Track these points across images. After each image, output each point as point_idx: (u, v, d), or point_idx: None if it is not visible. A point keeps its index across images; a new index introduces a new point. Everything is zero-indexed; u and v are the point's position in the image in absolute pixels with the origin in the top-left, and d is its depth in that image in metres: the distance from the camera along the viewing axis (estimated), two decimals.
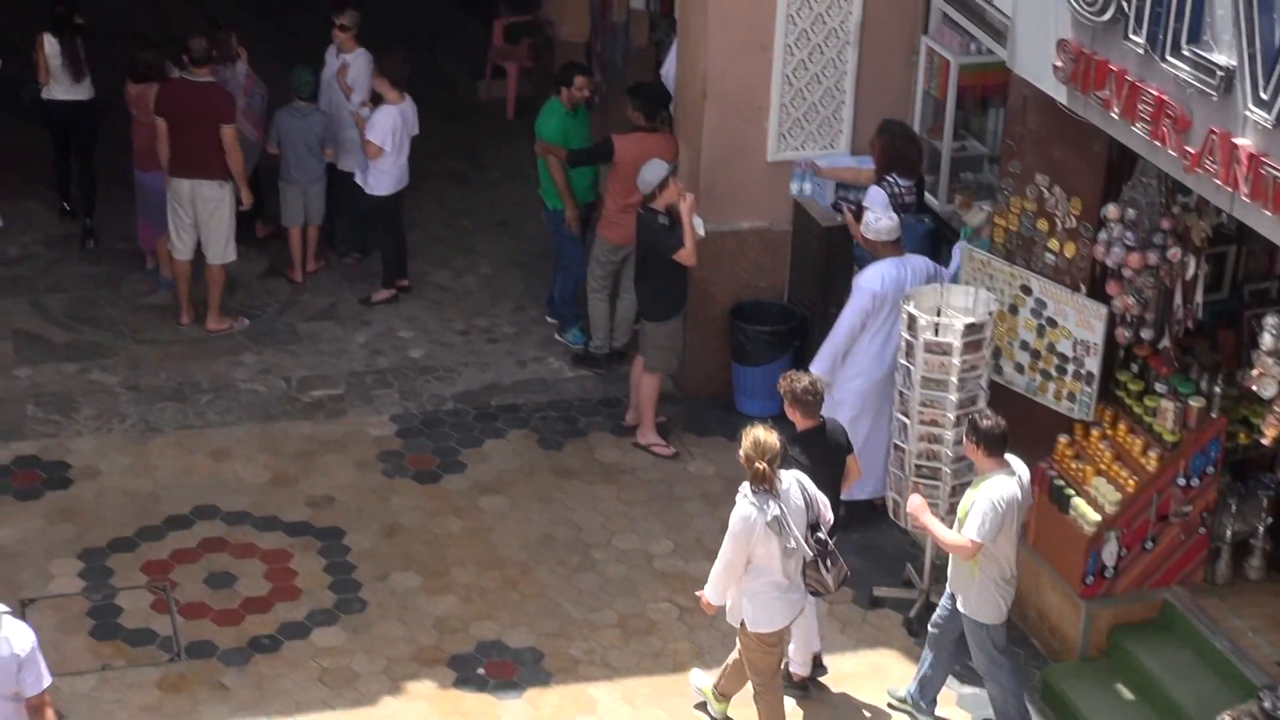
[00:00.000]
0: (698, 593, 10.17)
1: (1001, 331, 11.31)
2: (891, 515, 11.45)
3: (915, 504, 10.52)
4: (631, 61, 15.63)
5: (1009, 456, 10.14)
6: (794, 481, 9.88)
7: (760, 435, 9.68)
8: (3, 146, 15.75)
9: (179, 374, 13.61)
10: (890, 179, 12.31)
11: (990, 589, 10.21)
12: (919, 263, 11.86)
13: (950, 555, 10.30)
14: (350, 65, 14.79)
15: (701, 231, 12.53)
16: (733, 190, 13.07)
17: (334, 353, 13.98)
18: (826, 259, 12.82)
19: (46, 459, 12.58)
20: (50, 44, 14.85)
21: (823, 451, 10.44)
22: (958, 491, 10.81)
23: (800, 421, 10.46)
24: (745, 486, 9.77)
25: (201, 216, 13.92)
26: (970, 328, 10.92)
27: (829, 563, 9.94)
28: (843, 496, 10.81)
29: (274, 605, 11.40)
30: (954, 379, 10.93)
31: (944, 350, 10.91)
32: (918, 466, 11.03)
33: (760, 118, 12.98)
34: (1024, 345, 11.30)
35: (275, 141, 14.63)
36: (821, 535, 9.94)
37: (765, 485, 9.68)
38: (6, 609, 8.92)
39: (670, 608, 11.40)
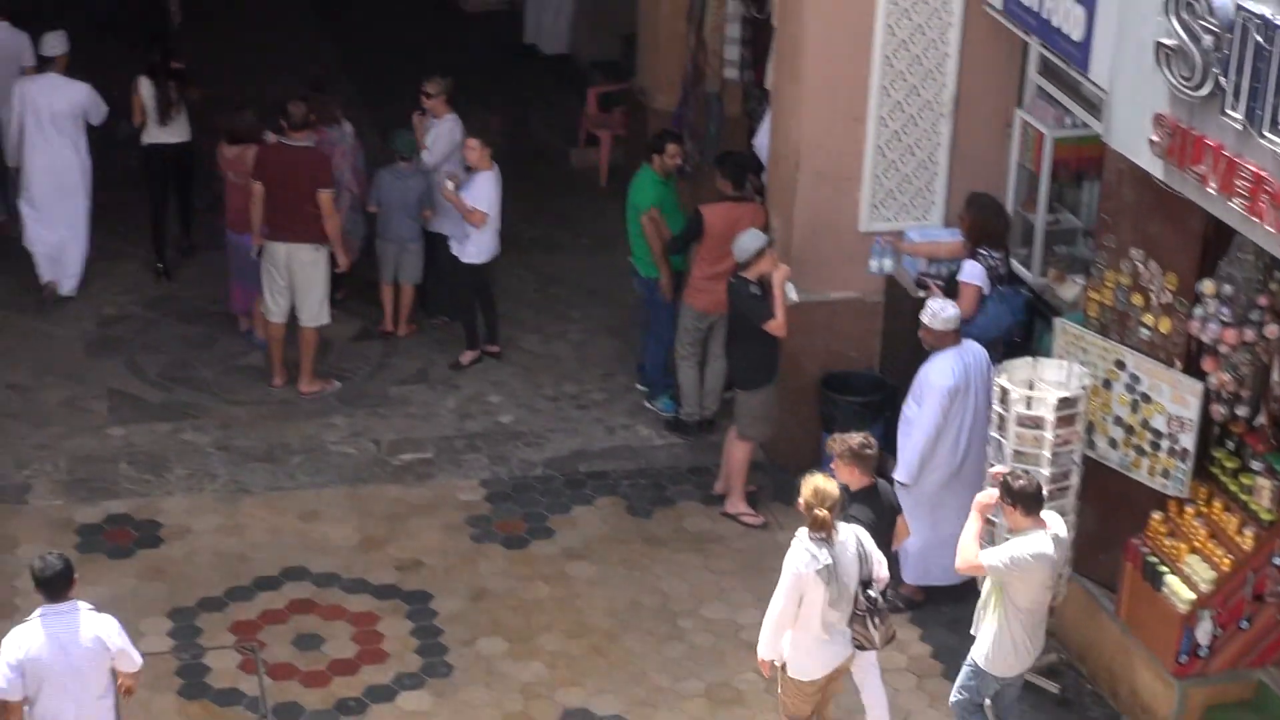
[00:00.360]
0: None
1: (1095, 406, 11.24)
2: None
3: (983, 499, 10.43)
4: (725, 131, 15.70)
5: (1046, 514, 10.17)
6: (852, 535, 9.96)
7: (820, 483, 9.79)
8: (103, 209, 15.99)
9: (270, 435, 13.72)
10: (984, 252, 12.29)
11: (1005, 639, 10.22)
12: (977, 350, 11.82)
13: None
14: (436, 130, 14.91)
15: (795, 297, 12.54)
16: (824, 261, 13.08)
17: (424, 416, 14.04)
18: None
19: (139, 518, 12.69)
20: (146, 87, 15.31)
21: (875, 510, 10.50)
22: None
23: (857, 480, 10.54)
24: (802, 533, 9.85)
25: (296, 280, 14.05)
26: (1063, 402, 10.87)
27: (877, 620, 10.02)
28: (936, 581, 10.77)
29: (361, 668, 11.44)
30: (1046, 453, 10.87)
31: (1036, 424, 10.85)
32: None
33: (852, 189, 12.99)
34: (1118, 420, 11.22)
35: (375, 200, 14.83)
36: (873, 592, 10.00)
37: (823, 533, 9.78)
38: (89, 605, 9.29)
39: (757, 678, 11.35)
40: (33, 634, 9.32)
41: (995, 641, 10.29)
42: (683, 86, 16.03)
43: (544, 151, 18.52)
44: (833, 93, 12.76)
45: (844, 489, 9.98)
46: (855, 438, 10.58)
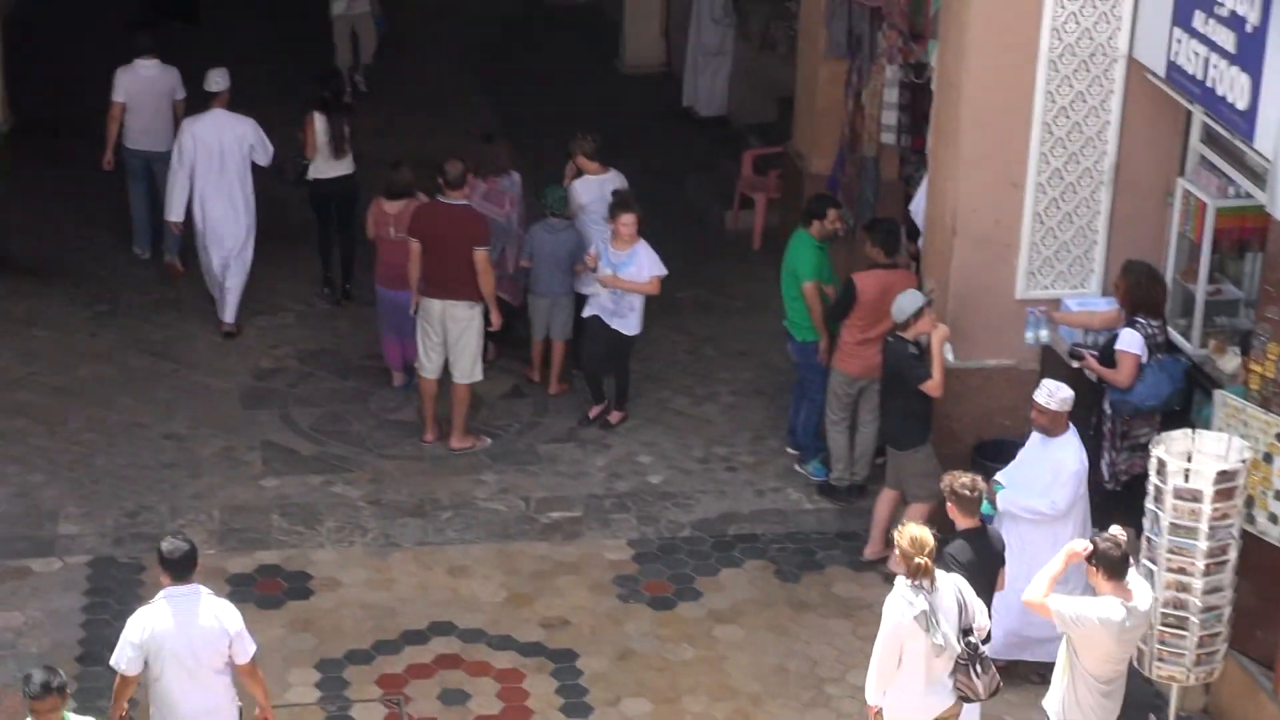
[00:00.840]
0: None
1: (1255, 480, 11.05)
2: (1135, 664, 11.19)
3: (1075, 546, 10.29)
4: (881, 196, 15.66)
5: (1137, 585, 10.06)
6: (950, 583, 9.98)
7: (916, 531, 9.88)
8: (265, 265, 16.31)
9: (421, 490, 13.81)
10: (1142, 320, 12.15)
11: (1071, 699, 10.13)
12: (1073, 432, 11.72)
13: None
14: (581, 190, 15.11)
15: (951, 358, 12.47)
16: (980, 327, 12.99)
17: (573, 475, 14.08)
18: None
19: (289, 569, 12.83)
20: (319, 122, 15.92)
21: (979, 553, 10.54)
22: (1206, 643, 10.56)
23: (960, 520, 10.63)
24: (900, 581, 9.92)
25: (451, 336, 14.15)
26: (1222, 475, 10.70)
27: (979, 668, 9.98)
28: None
29: None
30: (1204, 527, 10.70)
31: (1194, 497, 10.69)
32: (1164, 615, 10.79)
33: (1009, 255, 12.90)
34: (1278, 495, 11.02)
35: (527, 255, 14.95)
36: (973, 640, 9.99)
37: (921, 580, 9.83)
38: (208, 589, 9.80)
39: None
40: (157, 614, 9.77)
41: (1064, 700, 10.20)
42: (839, 150, 16.02)
43: (698, 214, 18.58)
44: (991, 159, 12.69)
45: (939, 539, 10.06)
46: (962, 477, 10.63)
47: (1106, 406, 12.17)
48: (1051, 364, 12.93)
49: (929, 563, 9.83)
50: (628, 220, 14.26)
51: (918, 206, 14.00)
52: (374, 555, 13.01)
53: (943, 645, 9.84)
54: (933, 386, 12.39)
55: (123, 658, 9.81)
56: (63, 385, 15.03)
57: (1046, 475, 11.53)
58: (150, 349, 15.67)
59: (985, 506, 11.05)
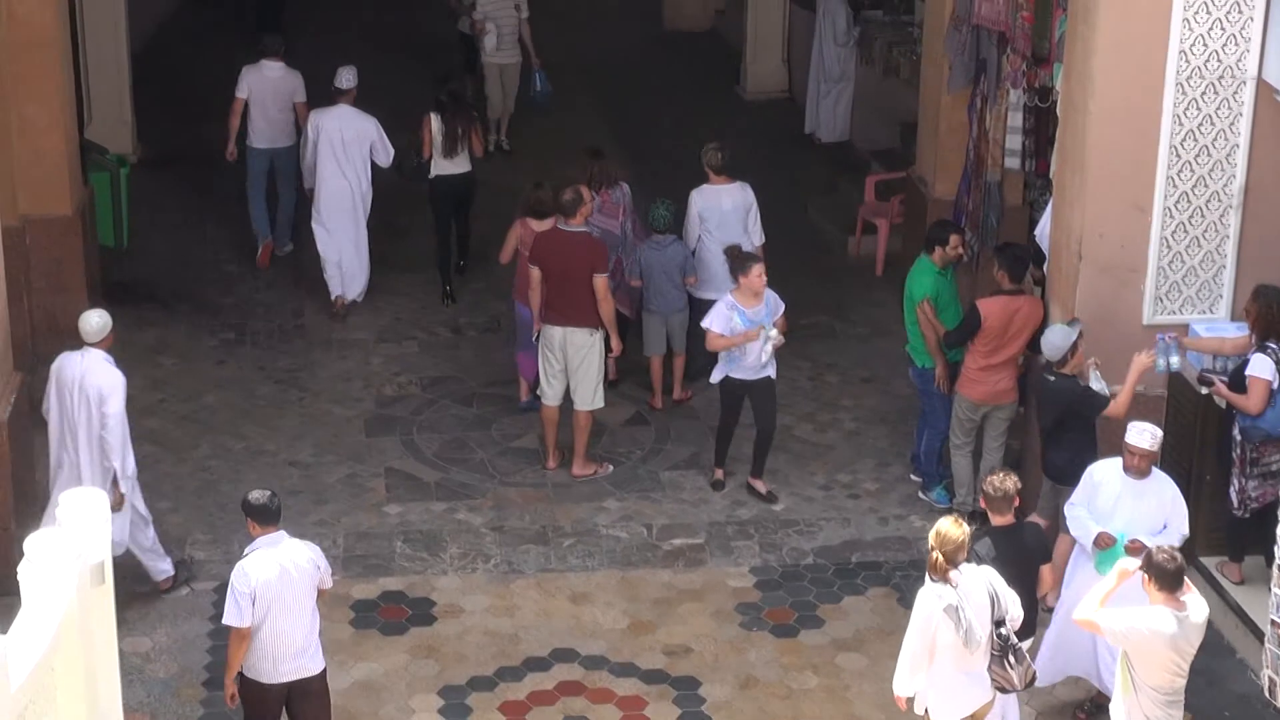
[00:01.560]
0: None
1: None
2: (1267, 694, 11.06)
3: (1126, 565, 10.28)
4: (1005, 221, 15.60)
5: (1190, 597, 9.98)
6: (981, 577, 10.14)
7: (944, 527, 10.09)
8: (384, 292, 16.47)
9: (543, 517, 13.89)
10: (1273, 345, 12.02)
11: (1136, 711, 10.06)
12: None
13: None
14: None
15: (1101, 384, 12.40)
16: (1106, 354, 12.88)
17: (695, 502, 14.11)
18: (1201, 427, 12.54)
19: (412, 595, 12.93)
20: (435, 123, 16.80)
21: (1010, 550, 10.71)
22: None
23: (993, 518, 10.91)
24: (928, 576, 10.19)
25: (571, 363, 14.24)
26: None
27: (1013, 659, 10.14)
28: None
29: None
30: None
31: None
32: None
33: (1136, 280, 12.81)
34: None
35: (638, 274, 15.16)
36: (1004, 631, 10.14)
37: (938, 575, 10.04)
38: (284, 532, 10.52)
39: None
40: (258, 564, 10.36)
41: (1129, 714, 10.14)
42: (963, 175, 15.98)
43: (821, 239, 18.59)
44: (1117, 182, 12.62)
45: (971, 533, 10.31)
46: (992, 477, 10.89)
47: (1236, 433, 12.05)
48: (1178, 391, 12.81)
49: (942, 559, 10.00)
50: (759, 271, 13.80)
51: (1042, 231, 13.93)
52: (496, 582, 13.09)
53: (975, 639, 10.00)
54: (1120, 406, 12.28)
55: (237, 612, 10.32)
56: (190, 413, 15.26)
57: (1154, 511, 11.39)
58: (276, 376, 15.88)
59: (1102, 558, 11.03)
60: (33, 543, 7.33)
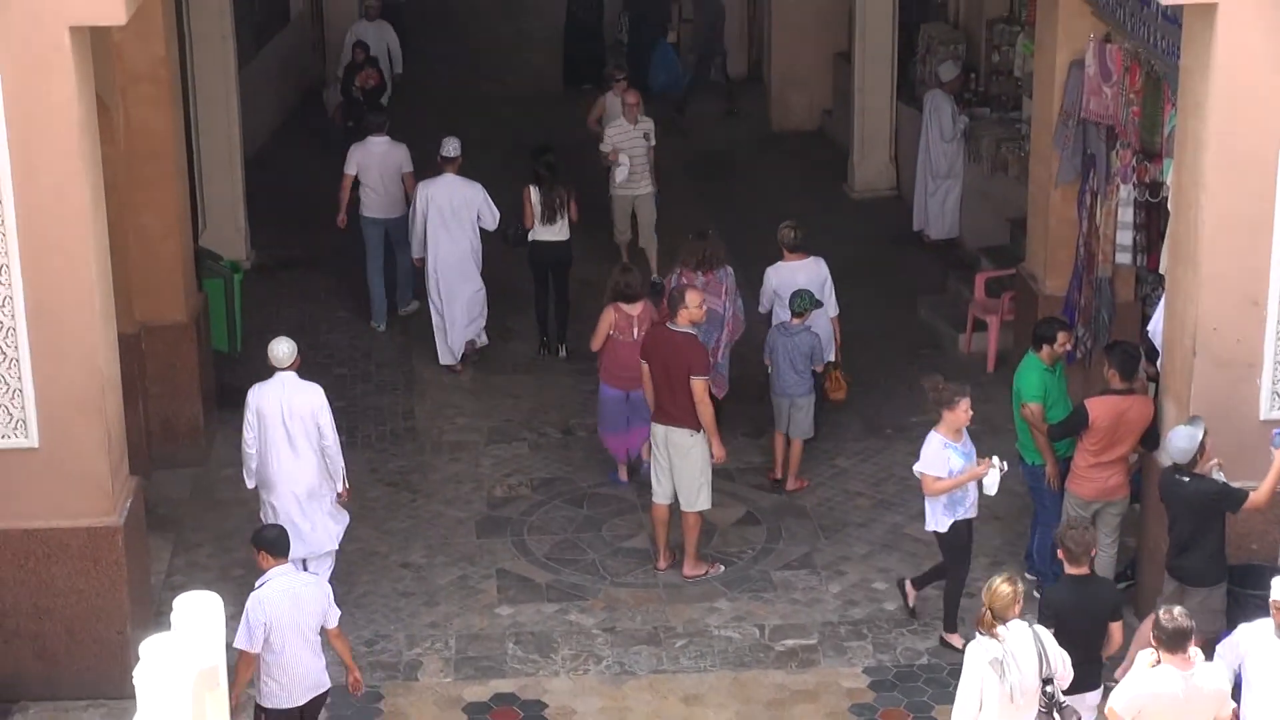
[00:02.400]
0: None
1: None
2: None
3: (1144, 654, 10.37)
4: (1116, 317, 15.52)
5: (1203, 664, 10.19)
6: (1028, 634, 10.48)
7: (996, 583, 10.52)
8: (497, 397, 16.60)
9: (654, 618, 13.87)
10: None
11: None
12: None
13: None
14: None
15: (1223, 477, 12.29)
16: (1222, 451, 12.74)
17: (808, 602, 14.06)
18: None
19: (524, 697, 12.92)
20: (535, 194, 17.85)
21: (1078, 601, 11.08)
22: None
23: (1068, 567, 11.24)
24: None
25: (674, 462, 14.28)
26: None
27: (1058, 717, 10.44)
28: None
29: None
30: None
31: None
32: None
33: (1252, 375, 12.69)
34: None
35: (767, 355, 15.59)
36: (1050, 689, 10.42)
37: (986, 629, 10.43)
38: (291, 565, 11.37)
39: None
40: (272, 593, 11.21)
41: None
42: (1073, 272, 15.92)
43: (932, 337, 18.55)
44: (1231, 277, 12.53)
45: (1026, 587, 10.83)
46: (1072, 530, 11.20)
47: None
48: None
49: (989, 614, 10.41)
50: (966, 405, 13.22)
51: (1155, 328, 13.84)
52: (609, 683, 13.06)
53: (1015, 691, 10.28)
54: (1262, 496, 12.16)
55: (248, 638, 11.15)
56: None
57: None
58: (387, 479, 15.99)
59: None
60: (148, 647, 7.41)
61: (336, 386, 17.66)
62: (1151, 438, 13.26)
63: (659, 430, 14.27)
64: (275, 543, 11.43)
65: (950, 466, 13.03)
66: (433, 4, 29.55)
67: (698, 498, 14.28)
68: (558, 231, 17.94)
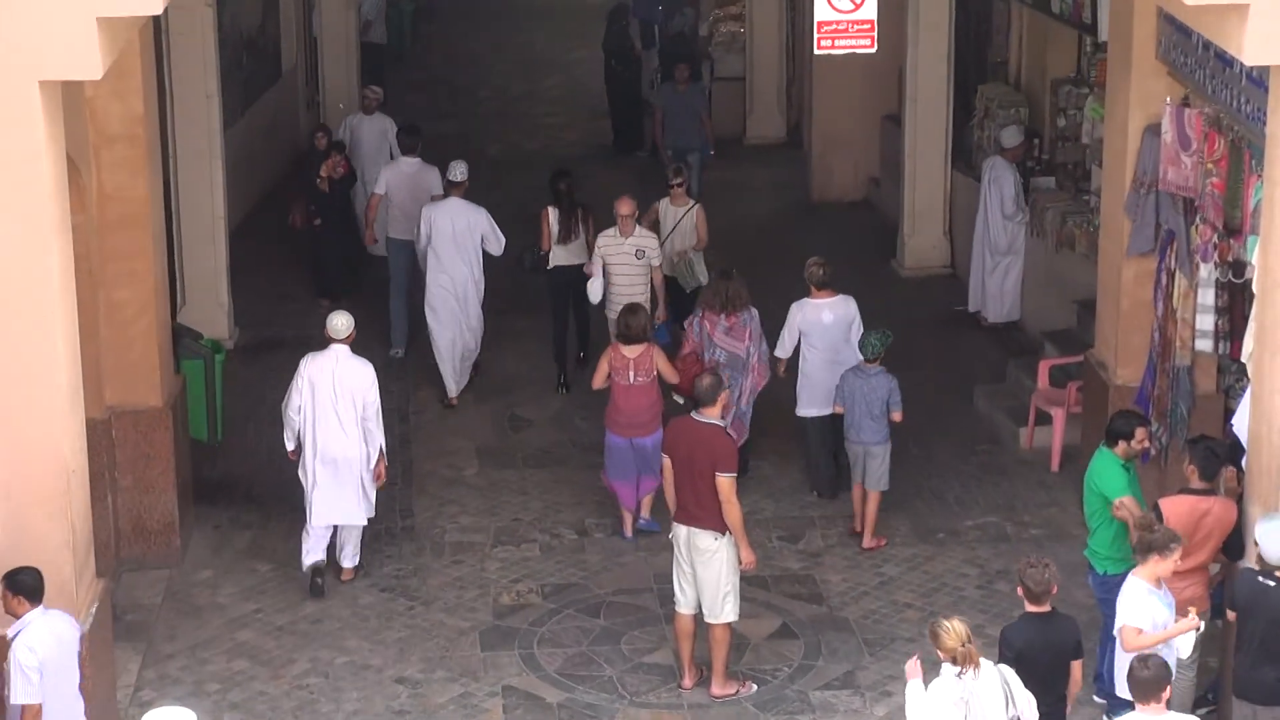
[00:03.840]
0: None
1: None
2: None
3: None
4: (1195, 411, 15.49)
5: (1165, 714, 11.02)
6: (995, 672, 11.37)
7: (948, 624, 11.49)
8: (506, 493, 16.61)
9: None
10: None
11: None
12: None
13: None
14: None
15: None
16: None
17: None
18: None
19: None
20: (553, 215, 19.29)
21: (1042, 638, 11.88)
22: None
23: (1029, 605, 12.07)
24: (945, 668, 11.43)
25: (697, 569, 14.22)
26: None
27: None
28: None
29: None
30: None
31: None
32: None
33: None
34: None
35: (839, 400, 16.45)
36: None
37: (969, 664, 11.36)
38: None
39: None
40: (40, 635, 11.73)
41: None
42: (1148, 359, 15.91)
43: (989, 431, 18.53)
44: None
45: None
46: (1031, 569, 12.07)
47: None
48: None
49: (970, 649, 11.31)
50: (1178, 554, 12.56)
51: (1240, 422, 13.81)
52: None
53: None
54: None
55: (28, 688, 11.69)
56: (287, 624, 15.38)
57: None
58: (381, 584, 15.98)
59: None
60: None
61: None
62: (1235, 546, 13.21)
63: (680, 532, 14.23)
64: (31, 587, 11.84)
65: (1154, 619, 12.49)
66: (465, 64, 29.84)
67: (723, 608, 14.22)
68: (576, 252, 19.23)
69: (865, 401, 16.15)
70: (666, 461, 14.34)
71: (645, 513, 16.56)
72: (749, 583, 14.67)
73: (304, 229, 21.96)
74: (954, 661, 11.30)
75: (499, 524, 16.93)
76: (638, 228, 18.66)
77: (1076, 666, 12.04)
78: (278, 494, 17.35)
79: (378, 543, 16.60)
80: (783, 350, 17.12)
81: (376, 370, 15.71)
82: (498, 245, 19.14)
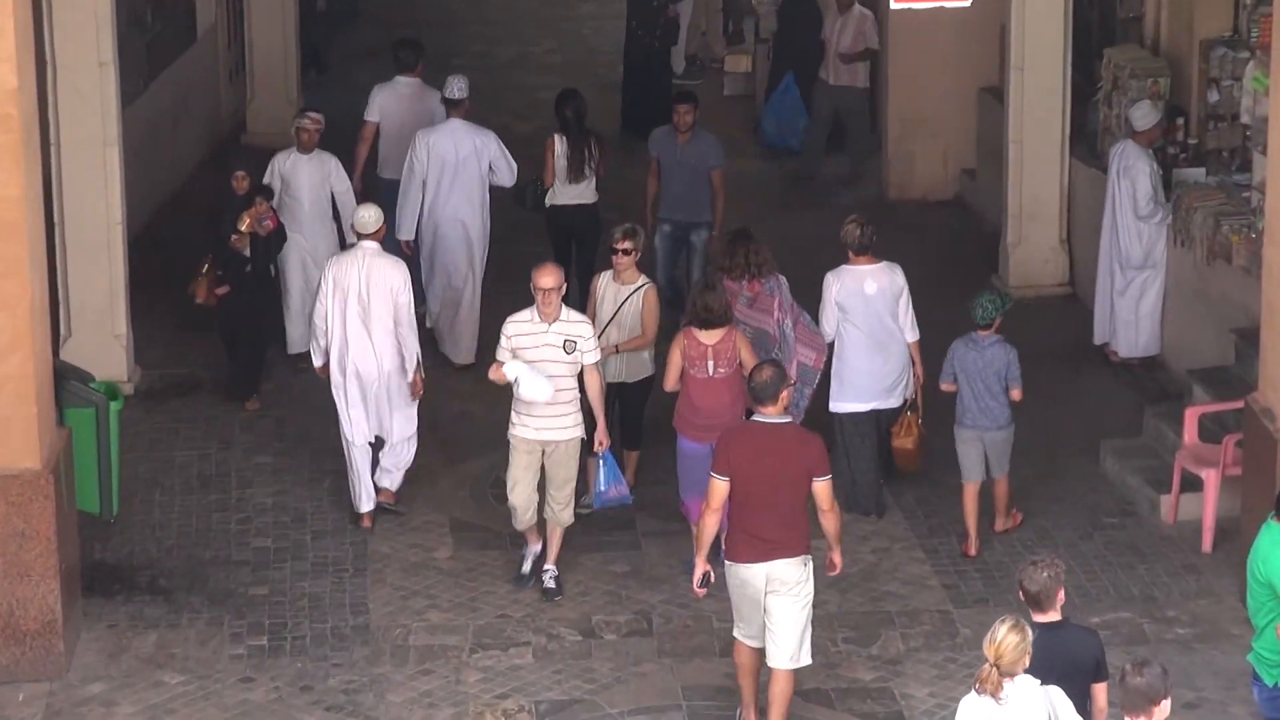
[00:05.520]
0: None
1: None
2: None
3: None
4: None
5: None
6: (1040, 693, 11.91)
7: (1001, 631, 11.84)
8: (484, 579, 16.58)
9: None
10: None
11: None
12: None
13: None
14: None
15: None
16: None
17: None
18: None
19: None
20: (559, 145, 20.74)
21: (1049, 653, 12.23)
22: None
23: (1033, 614, 12.60)
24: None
25: (774, 609, 14.49)
26: None
27: None
28: None
29: None
30: None
31: None
32: None
33: None
34: None
35: (950, 377, 16.88)
36: None
37: (989, 689, 11.81)
38: None
39: None
40: None
41: None
42: None
43: (1122, 498, 18.48)
44: None
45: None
46: (1029, 568, 12.67)
47: None
48: None
49: (994, 671, 11.76)
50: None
51: None
52: None
53: None
54: None
55: None
56: None
57: None
58: (327, 700, 15.94)
59: None
60: None
61: (255, 565, 17.68)
62: None
63: (756, 573, 14.51)
64: None
65: None
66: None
67: (802, 650, 14.61)
68: (583, 192, 20.70)
69: (983, 377, 16.84)
70: (719, 485, 14.53)
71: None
72: (805, 697, 14.72)
73: (211, 304, 20.38)
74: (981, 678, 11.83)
75: (479, 622, 16.86)
76: (565, 309, 16.84)
77: (1100, 691, 12.53)
78: (191, 581, 17.34)
79: (321, 647, 16.57)
80: (826, 330, 17.66)
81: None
82: (509, 174, 20.47)
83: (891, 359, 17.74)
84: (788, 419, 14.74)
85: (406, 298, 17.38)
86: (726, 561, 14.69)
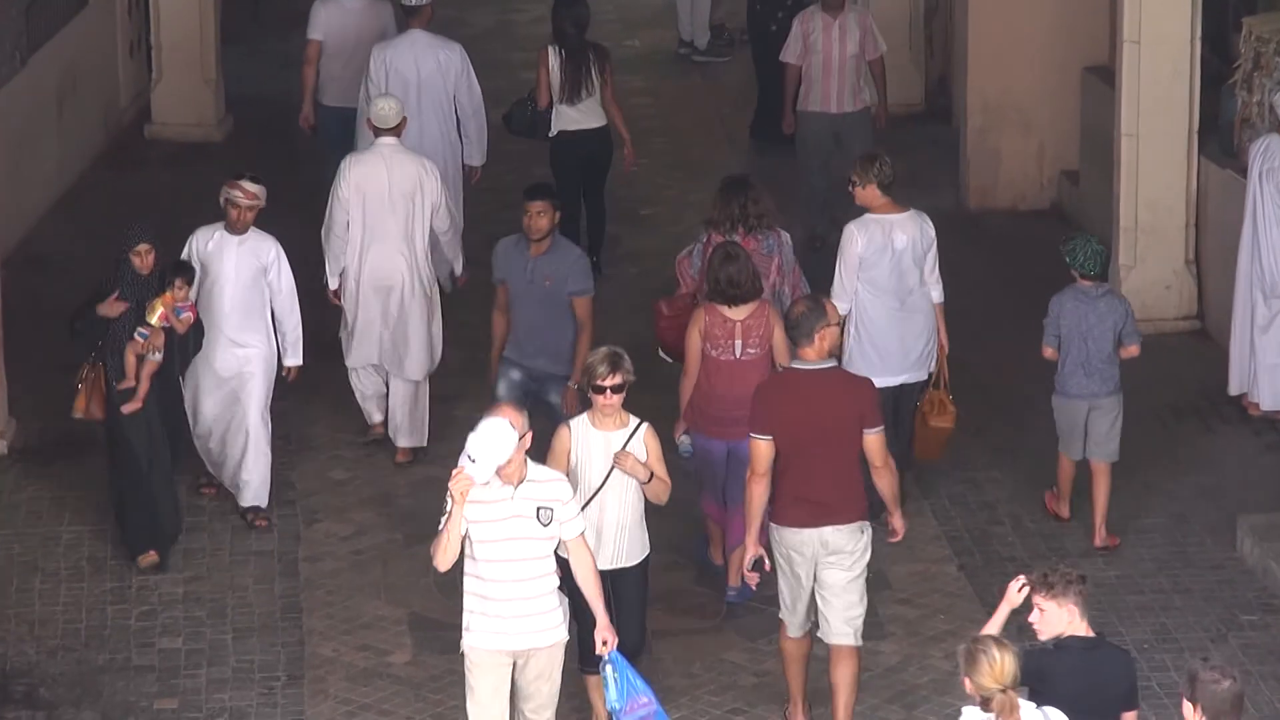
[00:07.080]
0: None
1: None
2: None
3: None
4: None
5: None
6: (1036, 716, 12.42)
7: (997, 654, 12.33)
8: (442, 685, 16.68)
9: None
10: None
11: None
12: None
13: None
14: None
15: None
16: None
17: None
18: None
19: None
20: (553, 59, 22.17)
21: (1071, 672, 12.88)
22: None
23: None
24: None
25: (829, 580, 15.08)
26: None
27: None
28: None
29: None
30: None
31: None
32: None
33: None
34: None
35: (1054, 337, 17.86)
36: None
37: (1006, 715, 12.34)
38: None
39: None
40: None
41: None
42: None
43: (1264, 587, 18.52)
44: None
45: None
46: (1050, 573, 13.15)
47: None
48: None
49: (1009, 698, 12.22)
50: None
51: None
52: None
53: None
54: None
55: None
56: None
57: None
58: None
59: None
60: None
61: (165, 669, 17.63)
62: None
63: (807, 538, 15.04)
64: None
65: None
66: None
67: (860, 623, 15.27)
68: (587, 114, 22.19)
69: (1095, 335, 17.50)
70: (764, 448, 14.94)
71: (735, 578, 16.71)
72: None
73: (96, 419, 19.05)
74: (985, 706, 12.24)
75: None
76: (531, 465, 14.77)
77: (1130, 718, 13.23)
78: (81, 693, 17.35)
79: None
80: (843, 296, 17.90)
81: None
82: (472, 96, 21.73)
83: (917, 324, 18.24)
84: (831, 363, 15.22)
85: (438, 198, 19.18)
86: (773, 527, 15.18)
